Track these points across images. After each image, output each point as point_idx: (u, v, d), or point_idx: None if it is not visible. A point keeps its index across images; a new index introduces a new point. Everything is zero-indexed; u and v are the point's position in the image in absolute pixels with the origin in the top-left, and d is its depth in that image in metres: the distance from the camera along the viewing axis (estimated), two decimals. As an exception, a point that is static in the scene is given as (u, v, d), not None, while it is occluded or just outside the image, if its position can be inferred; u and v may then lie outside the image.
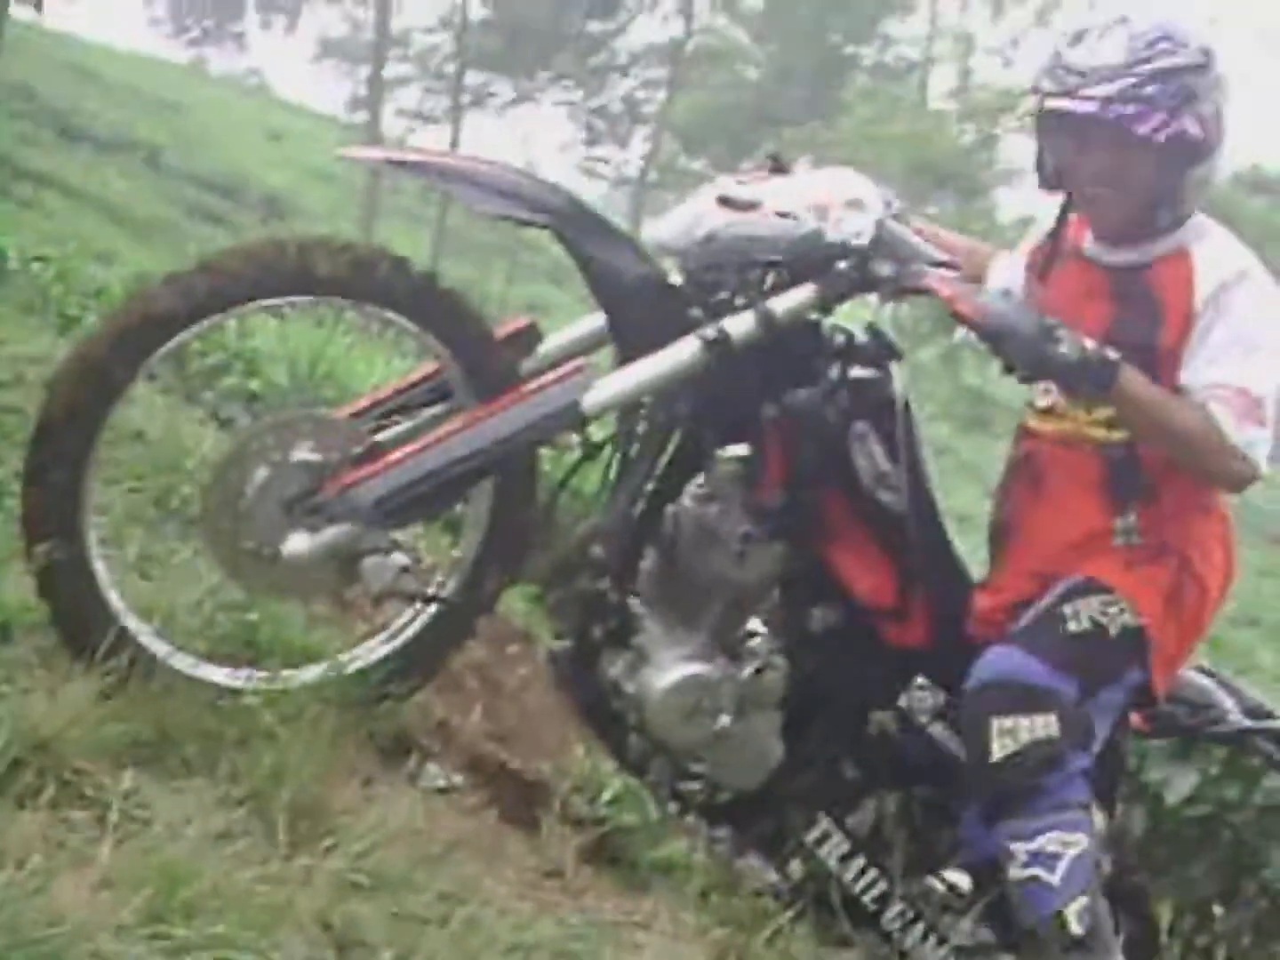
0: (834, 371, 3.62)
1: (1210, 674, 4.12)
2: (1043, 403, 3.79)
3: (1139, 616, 3.59)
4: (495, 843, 3.47)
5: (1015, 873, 3.46)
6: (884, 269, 3.50)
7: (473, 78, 48.64)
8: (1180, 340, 3.58)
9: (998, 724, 3.46)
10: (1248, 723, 4.05)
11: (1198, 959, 6.07)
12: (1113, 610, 3.58)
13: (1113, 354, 3.44)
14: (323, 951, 2.49)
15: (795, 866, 3.74)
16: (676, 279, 3.59)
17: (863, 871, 3.78)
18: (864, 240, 3.50)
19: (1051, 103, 3.64)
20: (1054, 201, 3.84)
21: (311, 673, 3.49)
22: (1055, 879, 3.42)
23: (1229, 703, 4.04)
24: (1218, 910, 6.10)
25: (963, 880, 3.87)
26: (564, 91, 53.59)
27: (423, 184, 3.73)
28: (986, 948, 3.87)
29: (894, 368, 3.73)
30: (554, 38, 47.70)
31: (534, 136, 64.01)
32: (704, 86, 50.62)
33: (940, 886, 3.87)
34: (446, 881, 2.86)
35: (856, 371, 3.65)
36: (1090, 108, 3.58)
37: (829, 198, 3.56)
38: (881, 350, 3.71)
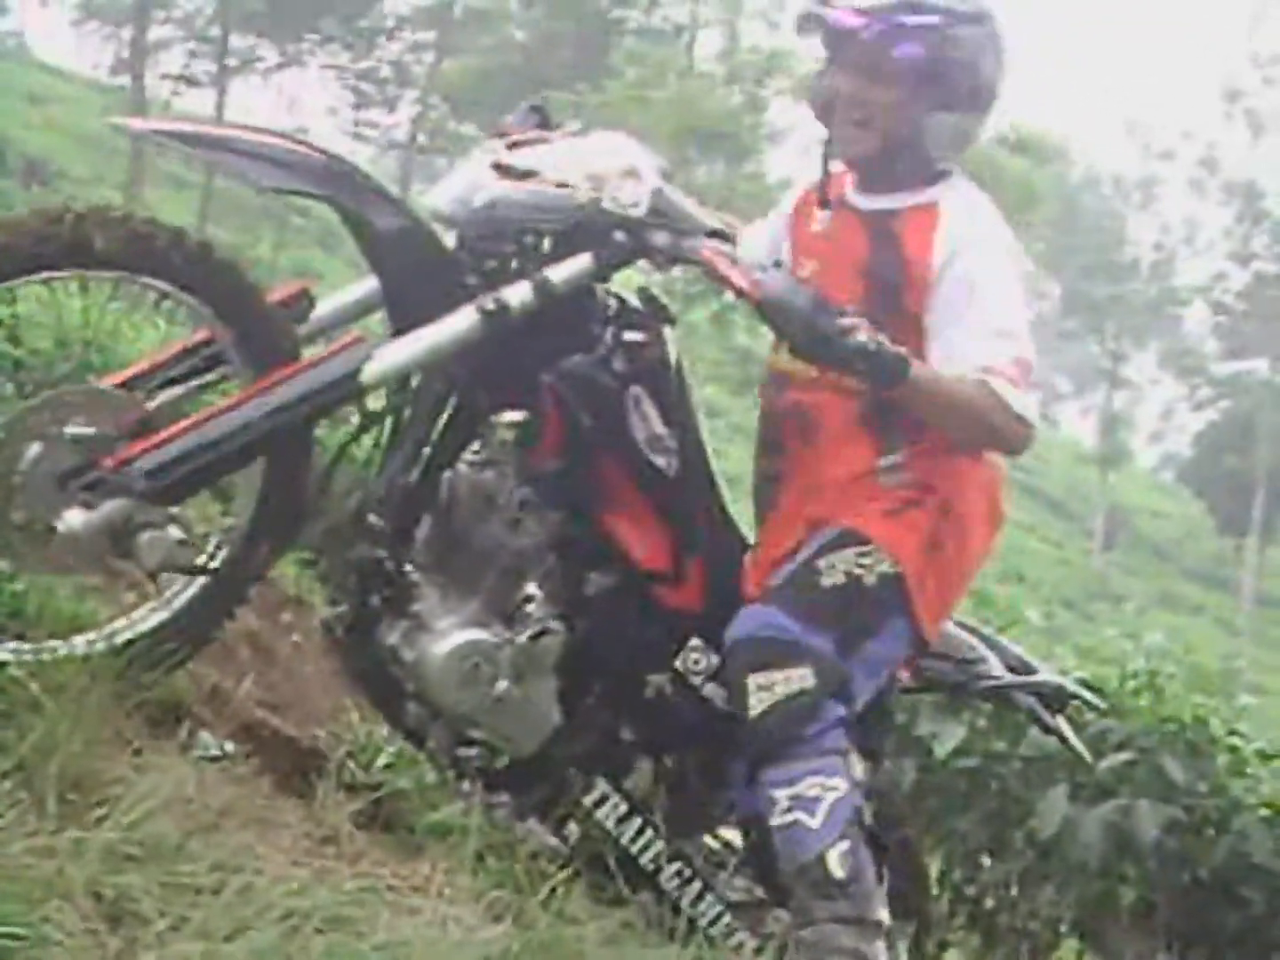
0: (608, 336, 3.65)
1: (973, 630, 4.22)
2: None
3: (897, 564, 3.65)
4: (269, 810, 3.45)
5: (777, 819, 3.52)
6: (660, 239, 3.54)
7: (238, 41, 48.03)
8: (921, 305, 3.67)
9: (754, 680, 3.53)
10: (1009, 677, 4.16)
11: (967, 908, 6.24)
12: (868, 561, 3.65)
13: (900, 350, 3.48)
14: (95, 923, 2.46)
15: (572, 829, 3.78)
16: (453, 247, 3.59)
17: (640, 832, 3.83)
18: (641, 210, 3.54)
19: (815, 8, 3.70)
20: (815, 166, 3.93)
21: (79, 643, 3.43)
22: (815, 822, 3.47)
23: (991, 658, 4.14)
24: (986, 861, 6.27)
25: (736, 837, 3.94)
26: (331, 55, 53.12)
27: (195, 157, 3.62)
28: (760, 903, 3.95)
29: (666, 331, 3.76)
30: (320, 0, 47.19)
31: (301, 101, 63.37)
32: (472, 50, 50.48)
33: (715, 844, 3.94)
34: (219, 850, 2.84)
35: (630, 336, 3.68)
36: (850, 21, 3.65)
37: (606, 167, 3.58)
38: (654, 314, 3.75)
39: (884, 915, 3.54)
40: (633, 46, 43.51)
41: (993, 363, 3.56)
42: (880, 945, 3.50)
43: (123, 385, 3.45)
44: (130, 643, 3.48)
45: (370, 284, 3.64)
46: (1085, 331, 69.97)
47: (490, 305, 3.45)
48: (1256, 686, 12.31)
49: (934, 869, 4.33)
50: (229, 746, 3.70)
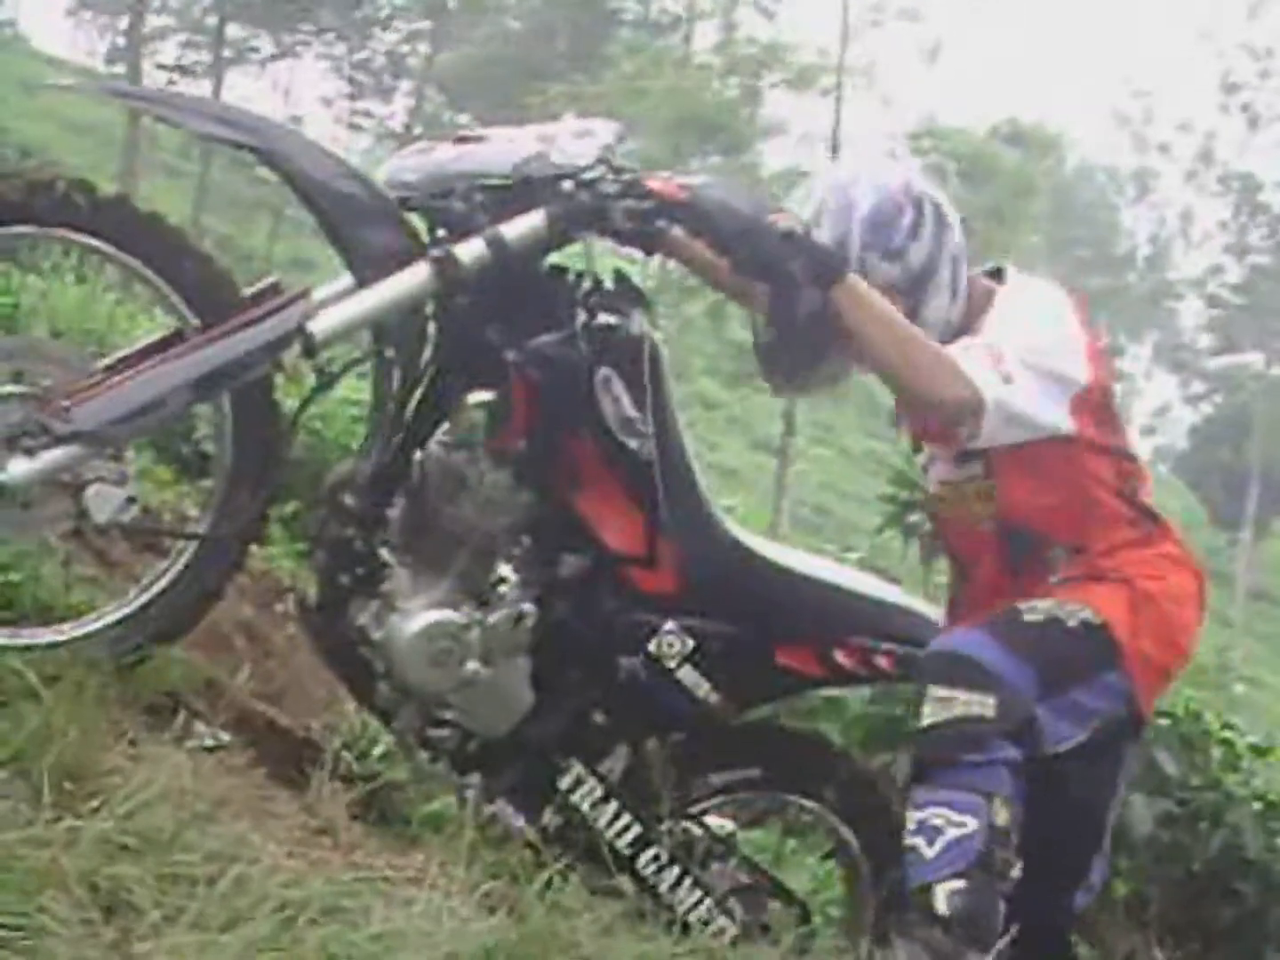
0: (579, 317, 3.65)
1: None
2: (936, 488, 3.96)
3: (1100, 614, 3.65)
4: (264, 801, 3.45)
5: (907, 838, 3.52)
6: (608, 186, 3.54)
7: (234, 31, 48.01)
8: None
9: (936, 691, 3.52)
10: None
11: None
12: (1070, 607, 3.65)
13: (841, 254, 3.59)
14: (89, 913, 2.46)
15: (550, 814, 3.79)
16: (406, 209, 3.61)
17: (616, 816, 3.83)
18: (588, 160, 3.55)
19: None
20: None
21: (73, 630, 3.45)
22: (930, 852, 3.47)
23: None
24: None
25: (726, 825, 3.95)
26: (326, 46, 53.16)
27: (136, 110, 3.71)
28: (755, 889, 3.96)
29: (639, 314, 3.76)
30: (316, -9, 47.20)
31: (297, 91, 63.31)
32: (467, 40, 50.49)
33: (699, 832, 3.95)
34: (215, 841, 2.83)
35: (602, 318, 3.67)
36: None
37: (557, 130, 3.65)
38: (627, 296, 3.75)
39: None
40: (629, 38, 43.51)
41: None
42: None
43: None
44: (124, 623, 3.50)
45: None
46: (1080, 325, 69.87)
47: (439, 254, 3.46)
48: (1250, 680, 12.31)
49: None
50: (224, 737, 3.70)
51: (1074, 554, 3.78)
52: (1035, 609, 3.64)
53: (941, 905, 3.45)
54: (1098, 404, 3.78)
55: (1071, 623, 3.62)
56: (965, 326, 3.77)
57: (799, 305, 3.55)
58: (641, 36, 45.11)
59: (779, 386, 4.04)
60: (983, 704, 3.47)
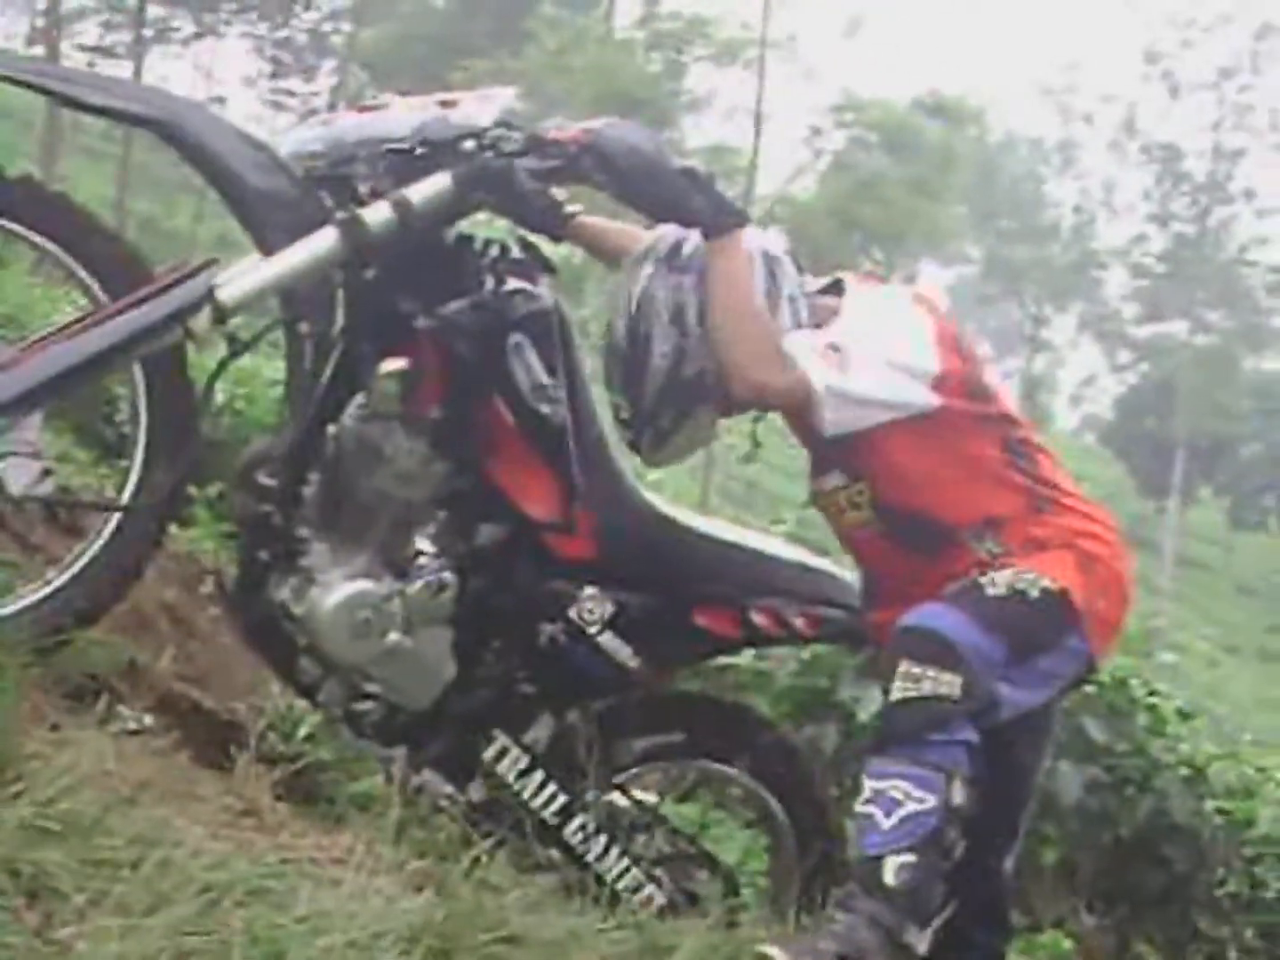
0: (488, 284, 3.65)
1: None
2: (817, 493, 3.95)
3: (1057, 581, 3.65)
4: (188, 784, 3.43)
5: (858, 805, 3.53)
6: (510, 145, 3.53)
7: (154, 11, 47.61)
8: None
9: (905, 666, 3.51)
10: None
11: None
12: (1028, 577, 3.64)
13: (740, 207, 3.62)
14: (12, 899, 2.44)
15: (477, 786, 3.80)
16: (311, 180, 3.61)
17: (541, 786, 3.85)
18: (488, 121, 3.56)
19: None
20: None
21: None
22: (886, 823, 3.46)
23: None
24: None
25: (650, 796, 3.96)
26: (248, 24, 52.83)
27: (35, 91, 3.67)
28: (686, 857, 3.98)
29: (547, 280, 3.76)
30: (236, -32, 46.93)
31: (219, 71, 62.90)
32: (391, 17, 50.25)
33: (626, 803, 3.96)
34: (139, 824, 2.82)
35: (511, 283, 3.68)
36: None
37: (459, 96, 3.66)
38: (535, 263, 3.75)
39: (919, 943, 3.50)
40: (552, 13, 43.37)
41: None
42: None
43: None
44: (45, 601, 3.48)
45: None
46: (1005, 295, 70.37)
47: (344, 216, 3.46)
48: (1177, 646, 12.40)
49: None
50: (147, 720, 3.69)
51: (990, 531, 3.77)
52: (995, 582, 3.64)
53: (890, 877, 3.45)
54: (962, 383, 3.76)
55: (1033, 593, 3.62)
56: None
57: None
58: (564, 12, 44.98)
59: (648, 456, 3.98)
60: (950, 684, 3.47)
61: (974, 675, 3.50)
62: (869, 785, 3.52)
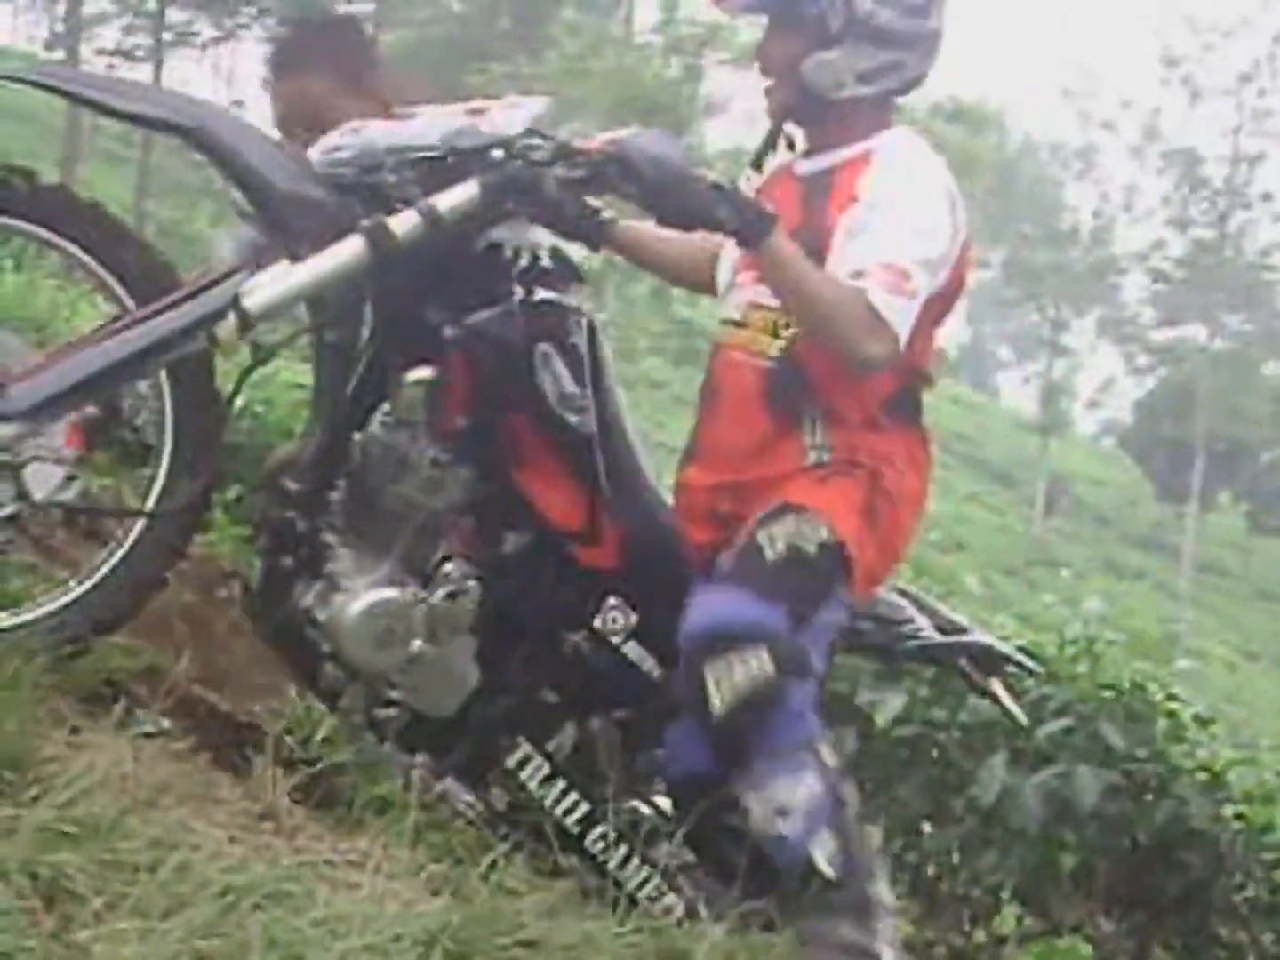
0: (517, 293, 3.65)
1: (906, 593, 4.23)
2: (732, 314, 3.85)
3: (835, 532, 3.63)
4: (206, 787, 3.44)
5: (756, 826, 3.51)
6: (539, 154, 3.52)
7: (175, 15, 47.70)
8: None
9: (710, 671, 3.48)
10: (938, 638, 4.17)
11: (908, 876, 6.26)
12: (807, 529, 3.62)
13: (770, 210, 3.51)
14: (30, 902, 2.45)
15: (498, 793, 3.80)
16: (339, 188, 3.60)
17: (564, 794, 3.84)
18: (517, 130, 3.55)
19: None
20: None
21: (12, 619, 3.43)
22: (791, 828, 3.46)
23: (922, 620, 4.15)
24: (926, 828, 6.29)
25: (667, 804, 3.95)
26: (267, 29, 52.82)
27: (65, 98, 3.70)
28: (688, 868, 3.97)
29: (577, 289, 3.78)
30: (255, -28, 46.99)
31: (238, 74, 63.00)
32: (409, 22, 50.30)
33: (647, 810, 3.95)
34: (156, 827, 2.83)
35: (540, 293, 3.69)
36: None
37: (486, 105, 3.65)
38: (564, 272, 3.76)
39: (883, 891, 3.52)
40: (571, 18, 43.34)
41: (862, 266, 3.55)
42: (882, 925, 3.50)
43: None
44: (68, 608, 3.49)
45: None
46: (1025, 300, 70.27)
47: (372, 225, 3.44)
48: (1196, 651, 12.38)
49: (875, 837, 4.32)
50: (165, 723, 3.68)
51: (830, 421, 3.75)
52: (775, 540, 3.59)
53: (825, 868, 3.46)
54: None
55: (810, 549, 3.59)
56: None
57: None
58: (583, 17, 44.97)
59: None
60: (759, 660, 3.46)
61: (773, 637, 3.48)
62: (752, 801, 3.50)
